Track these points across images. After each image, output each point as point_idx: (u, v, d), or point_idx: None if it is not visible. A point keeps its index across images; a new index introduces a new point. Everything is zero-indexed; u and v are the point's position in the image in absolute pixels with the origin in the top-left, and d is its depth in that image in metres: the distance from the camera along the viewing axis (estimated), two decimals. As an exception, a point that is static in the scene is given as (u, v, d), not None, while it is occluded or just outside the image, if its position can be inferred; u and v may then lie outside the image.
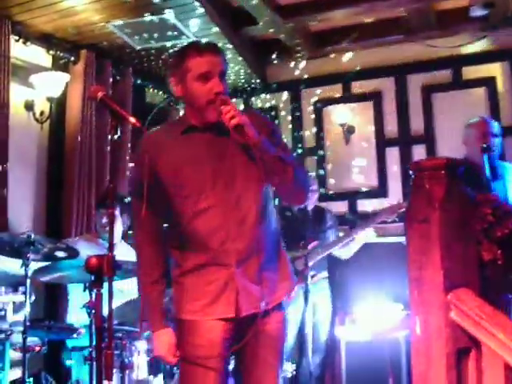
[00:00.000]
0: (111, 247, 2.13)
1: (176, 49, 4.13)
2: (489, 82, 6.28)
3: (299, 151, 6.87)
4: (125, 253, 4.31)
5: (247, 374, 2.62)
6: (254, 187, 2.51)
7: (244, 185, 2.49)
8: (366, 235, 5.00)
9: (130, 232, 5.39)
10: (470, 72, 6.38)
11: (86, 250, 4.24)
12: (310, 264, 4.62)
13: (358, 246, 5.09)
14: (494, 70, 6.29)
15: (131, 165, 6.43)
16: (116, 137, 2.21)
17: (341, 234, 5.33)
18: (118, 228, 4.49)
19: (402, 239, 5.67)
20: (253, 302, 2.49)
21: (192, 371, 2.49)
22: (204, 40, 5.69)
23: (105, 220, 4.48)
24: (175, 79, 2.53)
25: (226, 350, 2.50)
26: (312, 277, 4.76)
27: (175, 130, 2.58)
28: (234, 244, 2.47)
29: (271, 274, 2.57)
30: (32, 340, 3.68)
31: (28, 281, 3.52)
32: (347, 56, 6.73)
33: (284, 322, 2.66)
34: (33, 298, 3.75)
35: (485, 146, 4.08)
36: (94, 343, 3.40)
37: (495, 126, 4.42)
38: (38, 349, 3.68)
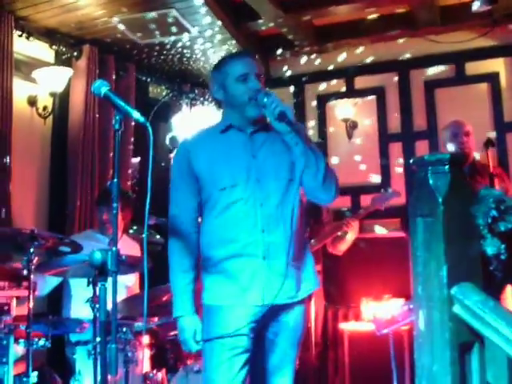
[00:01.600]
0: (115, 242, 2.14)
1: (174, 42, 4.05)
2: (492, 78, 6.27)
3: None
4: (127, 247, 4.33)
5: (265, 364, 2.74)
6: (284, 185, 2.70)
7: (274, 182, 2.68)
8: (356, 227, 5.00)
9: (134, 228, 5.43)
10: (473, 67, 6.37)
11: (87, 245, 4.25)
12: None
13: (351, 241, 5.08)
14: (497, 65, 6.28)
15: (136, 159, 6.46)
16: (119, 132, 2.22)
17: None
18: (120, 223, 4.49)
19: (403, 234, 5.73)
20: (282, 293, 2.61)
21: (218, 356, 2.61)
22: (207, 34, 5.76)
23: (105, 216, 4.49)
24: (216, 84, 2.80)
25: (250, 337, 2.62)
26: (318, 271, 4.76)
27: (214, 130, 2.84)
28: (262, 236, 2.63)
29: (297, 271, 2.71)
30: (36, 335, 3.69)
31: (31, 276, 3.53)
32: (350, 51, 6.73)
33: (305, 317, 2.80)
34: (36, 292, 3.76)
35: (487, 140, 4.08)
36: (97, 338, 3.41)
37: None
38: (41, 343, 3.69)
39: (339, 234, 5.04)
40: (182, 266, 2.72)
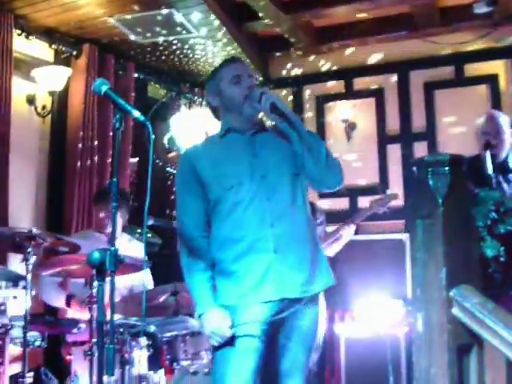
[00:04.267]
0: (113, 241, 2.13)
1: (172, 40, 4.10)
2: (491, 80, 6.27)
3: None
4: (125, 246, 4.32)
5: (276, 366, 2.73)
6: (288, 179, 2.73)
7: (278, 177, 2.72)
8: (351, 232, 5.00)
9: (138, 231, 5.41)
10: (473, 69, 6.37)
11: (86, 245, 4.24)
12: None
13: (343, 243, 5.06)
14: (497, 67, 6.28)
15: (134, 159, 6.45)
16: (119, 131, 2.21)
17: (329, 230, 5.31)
18: (118, 222, 4.48)
19: (402, 236, 5.72)
20: (296, 286, 2.64)
21: (229, 358, 2.62)
22: (207, 34, 5.75)
23: (102, 215, 4.48)
24: (212, 92, 2.87)
25: (262, 339, 2.63)
26: None
27: (214, 138, 2.93)
28: (271, 230, 2.65)
29: (309, 265, 2.70)
30: (32, 335, 3.67)
31: (29, 275, 3.52)
32: (349, 52, 6.73)
33: (316, 320, 2.80)
34: (33, 292, 3.74)
35: (486, 142, 4.05)
36: (94, 338, 3.40)
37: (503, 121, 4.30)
38: (38, 343, 3.68)
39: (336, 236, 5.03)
40: (197, 265, 2.71)
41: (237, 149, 2.79)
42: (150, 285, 4.52)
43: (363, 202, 6.52)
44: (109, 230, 4.38)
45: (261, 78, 6.96)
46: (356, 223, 5.05)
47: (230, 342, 2.62)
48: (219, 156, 2.79)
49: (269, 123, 2.99)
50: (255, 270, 2.64)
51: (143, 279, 4.28)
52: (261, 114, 2.86)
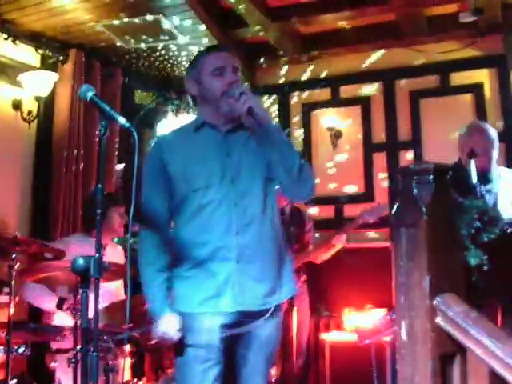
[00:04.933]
0: (99, 248, 2.13)
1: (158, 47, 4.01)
2: (476, 88, 6.31)
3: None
4: (112, 254, 4.31)
5: (236, 378, 2.66)
6: (259, 184, 2.62)
7: (249, 181, 2.61)
8: (343, 240, 5.00)
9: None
10: (458, 78, 6.40)
11: (78, 248, 4.22)
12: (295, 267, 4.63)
13: (333, 252, 5.06)
14: (482, 76, 6.31)
15: (120, 166, 6.43)
16: (105, 137, 2.21)
17: (317, 235, 5.31)
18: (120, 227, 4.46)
19: (387, 244, 5.73)
20: (256, 299, 2.55)
21: (191, 369, 2.54)
22: (194, 40, 5.75)
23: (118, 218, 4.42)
24: (191, 79, 2.70)
25: (223, 349, 2.55)
26: (305, 281, 4.78)
27: (188, 128, 2.77)
28: (236, 238, 2.54)
29: (273, 274, 2.62)
30: (16, 342, 3.65)
31: (13, 282, 3.50)
32: (336, 60, 6.75)
33: (278, 329, 2.70)
34: (17, 298, 3.73)
35: (471, 151, 4.06)
36: (78, 345, 3.39)
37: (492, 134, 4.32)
38: (21, 350, 3.65)
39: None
40: (154, 265, 2.61)
41: (210, 146, 2.65)
42: (121, 295, 4.47)
43: (348, 210, 6.55)
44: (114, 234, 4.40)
45: (247, 85, 6.98)
46: (347, 232, 5.03)
47: (189, 351, 2.54)
48: (191, 152, 2.65)
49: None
50: (215, 279, 2.53)
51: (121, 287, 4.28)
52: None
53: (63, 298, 4.15)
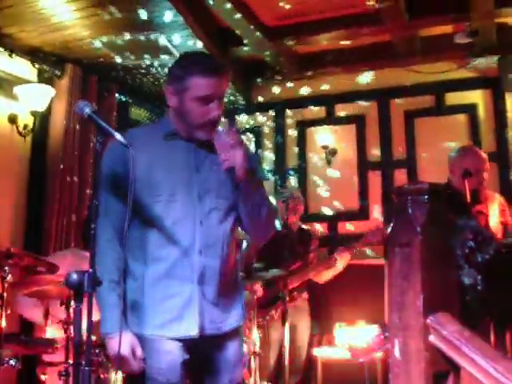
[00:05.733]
0: (93, 263, 2.12)
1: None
2: (471, 109, 6.35)
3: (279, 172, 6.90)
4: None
5: None
6: (225, 207, 2.51)
7: (216, 201, 2.48)
8: (346, 260, 4.99)
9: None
10: (453, 98, 6.45)
11: (73, 263, 4.21)
12: (291, 286, 4.65)
13: (335, 272, 5.06)
14: (476, 96, 6.36)
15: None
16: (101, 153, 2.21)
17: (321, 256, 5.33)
18: None
19: (381, 261, 5.73)
20: (213, 322, 2.46)
21: None
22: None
23: None
24: (172, 90, 2.46)
25: (185, 373, 2.43)
26: (290, 298, 4.77)
27: (157, 132, 2.54)
28: (199, 258, 2.42)
29: (227, 299, 2.53)
30: (7, 354, 3.63)
31: (5, 294, 3.49)
32: (331, 79, 6.79)
33: (240, 351, 2.62)
34: (8, 311, 3.71)
35: (465, 171, 4.09)
36: (69, 359, 3.37)
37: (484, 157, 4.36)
38: (12, 363, 3.63)
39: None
40: (111, 275, 2.37)
41: (179, 158, 2.47)
42: None
43: (342, 227, 6.57)
44: None
45: (243, 103, 7.02)
46: (350, 252, 5.02)
47: (149, 375, 2.36)
48: (157, 159, 2.45)
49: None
50: (175, 300, 2.40)
51: None
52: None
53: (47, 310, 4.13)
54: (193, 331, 2.40)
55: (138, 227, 2.44)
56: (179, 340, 2.40)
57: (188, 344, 2.41)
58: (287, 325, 4.38)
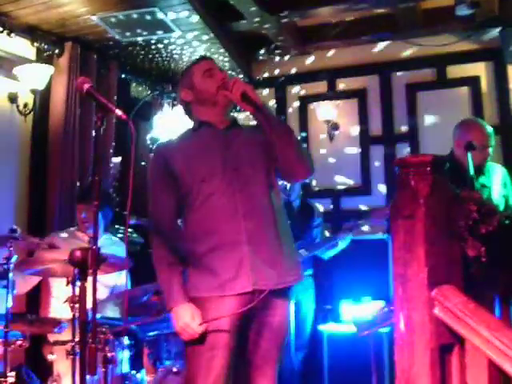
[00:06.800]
0: (95, 240, 2.13)
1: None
2: (473, 82, 6.32)
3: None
4: (107, 246, 4.30)
5: (247, 364, 2.73)
6: (262, 173, 2.77)
7: (251, 169, 2.75)
8: (348, 240, 4.99)
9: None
10: (455, 71, 6.41)
11: (68, 243, 4.22)
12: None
13: (340, 249, 5.06)
14: (479, 69, 6.32)
15: (117, 159, 6.43)
16: (102, 129, 2.22)
17: (327, 234, 5.32)
18: (100, 222, 4.45)
19: (384, 237, 5.74)
20: (266, 280, 2.64)
21: (199, 355, 2.61)
22: (190, 34, 5.75)
23: (84, 215, 4.44)
24: (185, 88, 2.90)
25: (233, 334, 2.63)
26: (310, 275, 4.79)
27: (186, 132, 2.94)
28: (244, 222, 2.66)
29: (281, 258, 2.71)
30: (14, 334, 3.65)
31: (10, 274, 3.50)
32: (332, 53, 6.75)
33: (288, 316, 2.81)
34: (15, 291, 3.73)
35: (468, 143, 4.08)
36: (76, 337, 3.39)
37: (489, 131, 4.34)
38: (19, 343, 3.65)
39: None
40: (167, 259, 2.72)
41: (209, 142, 2.81)
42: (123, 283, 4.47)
43: (345, 202, 6.57)
44: (90, 230, 4.35)
45: (243, 77, 6.97)
46: (353, 233, 5.02)
47: (201, 337, 2.62)
48: (191, 149, 2.81)
49: (242, 118, 3.05)
50: (229, 262, 2.64)
51: (124, 279, 4.27)
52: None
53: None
54: (247, 287, 2.61)
55: (190, 209, 2.76)
56: (234, 299, 2.61)
57: (243, 300, 2.61)
58: (292, 302, 4.39)
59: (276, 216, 2.76)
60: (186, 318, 2.61)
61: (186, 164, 2.76)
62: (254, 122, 2.89)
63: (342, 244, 4.98)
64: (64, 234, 4.56)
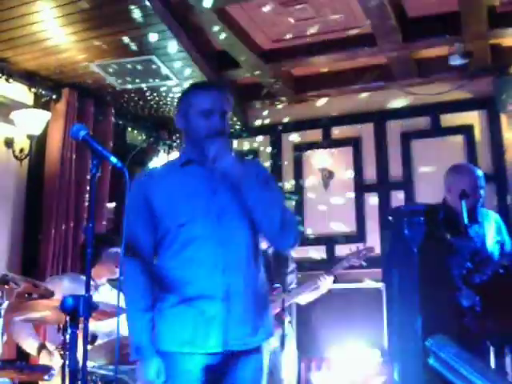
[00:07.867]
0: (88, 288, 2.11)
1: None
2: (467, 130, 6.36)
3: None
4: (107, 294, 4.27)
5: None
6: (245, 225, 2.58)
7: (235, 221, 2.57)
8: (330, 282, 4.94)
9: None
10: (449, 120, 6.46)
11: (70, 288, 4.18)
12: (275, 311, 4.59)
13: (320, 294, 5.00)
14: (472, 118, 6.37)
15: (111, 205, 6.42)
16: (96, 176, 2.21)
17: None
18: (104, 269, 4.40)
19: (379, 285, 5.71)
20: (236, 340, 2.50)
21: None
22: (187, 82, 5.79)
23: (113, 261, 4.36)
24: (180, 112, 2.68)
25: None
26: (289, 322, 4.73)
27: (174, 164, 2.74)
28: (222, 277, 2.50)
29: (254, 315, 2.58)
30: (3, 381, 3.60)
31: (1, 320, 3.46)
32: (327, 101, 6.81)
33: (261, 370, 2.65)
34: (5, 337, 3.68)
35: (462, 192, 4.08)
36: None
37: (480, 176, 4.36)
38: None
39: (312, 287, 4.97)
40: (139, 304, 2.54)
41: (195, 182, 2.61)
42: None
43: (340, 250, 6.53)
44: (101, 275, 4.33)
45: (239, 125, 7.02)
46: (334, 274, 4.98)
47: None
48: (176, 187, 2.61)
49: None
50: (201, 318, 2.48)
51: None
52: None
53: (42, 344, 4.09)
54: (217, 348, 2.48)
55: (165, 253, 2.59)
56: (202, 357, 2.48)
57: (211, 361, 2.49)
58: (286, 349, 4.34)
59: (256, 272, 2.62)
60: (150, 375, 2.47)
61: (167, 202, 2.57)
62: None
63: (324, 288, 4.93)
64: (67, 278, 4.48)
